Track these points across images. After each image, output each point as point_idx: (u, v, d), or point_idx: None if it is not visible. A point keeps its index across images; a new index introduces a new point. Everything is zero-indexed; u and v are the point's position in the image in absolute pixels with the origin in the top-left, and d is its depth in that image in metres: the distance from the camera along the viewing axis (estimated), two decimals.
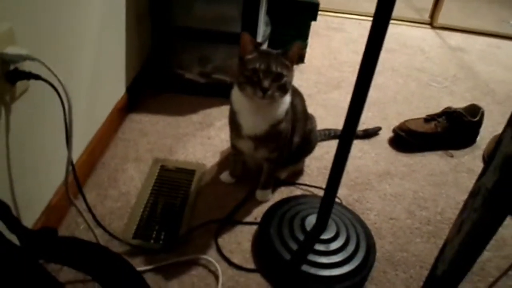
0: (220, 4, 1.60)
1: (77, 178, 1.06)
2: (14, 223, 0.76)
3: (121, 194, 1.23)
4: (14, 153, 0.88)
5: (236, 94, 1.09)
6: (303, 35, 2.00)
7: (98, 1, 1.21)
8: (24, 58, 0.82)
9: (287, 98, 1.09)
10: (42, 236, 0.82)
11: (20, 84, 0.87)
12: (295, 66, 2.11)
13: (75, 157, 1.17)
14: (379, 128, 1.62)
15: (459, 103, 1.77)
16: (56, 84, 0.88)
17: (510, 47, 2.77)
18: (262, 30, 1.64)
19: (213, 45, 1.67)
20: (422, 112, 1.76)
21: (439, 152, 1.59)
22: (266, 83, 1.00)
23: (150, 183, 1.27)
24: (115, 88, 1.46)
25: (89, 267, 0.82)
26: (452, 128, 1.59)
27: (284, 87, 1.03)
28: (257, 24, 1.56)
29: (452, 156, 1.58)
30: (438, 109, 1.70)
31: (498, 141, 0.66)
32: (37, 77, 0.85)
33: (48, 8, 0.95)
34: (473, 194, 0.75)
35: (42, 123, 0.99)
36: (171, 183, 1.28)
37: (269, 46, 1.82)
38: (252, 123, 1.10)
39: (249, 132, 1.11)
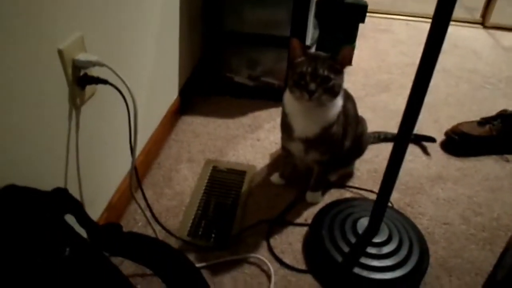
0: (270, 9, 1.63)
1: (139, 179, 1.12)
2: (84, 219, 0.82)
3: (176, 193, 1.28)
4: (82, 154, 0.95)
5: (287, 96, 1.11)
6: (351, 37, 1.99)
7: (157, 9, 1.27)
8: (94, 64, 0.88)
9: (339, 102, 1.10)
10: (108, 231, 0.87)
11: (89, 88, 0.93)
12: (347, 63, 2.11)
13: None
14: (433, 139, 1.58)
15: None
16: (121, 88, 0.93)
17: None
18: (311, 33, 1.66)
19: (262, 49, 1.70)
20: (475, 115, 1.70)
21: (494, 157, 1.54)
22: (312, 86, 1.01)
23: (203, 183, 1.32)
24: (169, 92, 1.52)
25: (151, 261, 0.87)
26: (508, 132, 1.54)
27: (332, 90, 1.04)
28: (306, 27, 1.57)
29: (508, 161, 1.53)
30: (492, 112, 1.64)
31: None
32: (105, 82, 0.91)
33: (115, 17, 1.01)
34: None
35: (106, 124, 1.05)
36: (222, 183, 1.32)
37: (317, 49, 1.83)
38: (303, 126, 1.11)
39: (300, 135, 1.13)
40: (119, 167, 1.15)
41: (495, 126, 1.55)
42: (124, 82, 0.90)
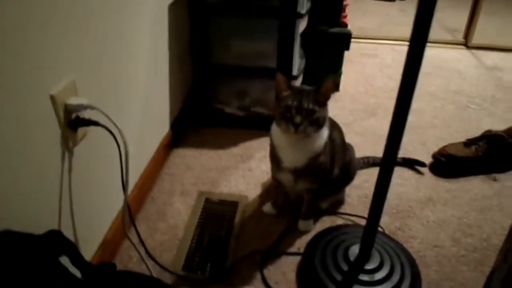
0: (255, 42, 1.68)
1: (132, 216, 1.14)
2: (78, 259, 0.83)
3: (169, 227, 1.30)
4: (76, 193, 0.97)
5: (275, 129, 1.15)
6: (337, 65, 2.05)
7: (146, 48, 1.32)
8: (85, 107, 0.91)
9: (325, 132, 1.13)
10: (102, 270, 0.89)
11: (81, 130, 0.96)
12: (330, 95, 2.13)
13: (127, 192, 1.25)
14: (423, 164, 1.61)
15: (500, 125, 1.74)
16: (112, 129, 0.96)
17: None
18: (297, 63, 1.70)
19: (251, 80, 1.75)
20: (461, 136, 1.74)
21: (482, 177, 1.57)
22: (297, 119, 1.05)
23: (196, 215, 1.33)
24: (160, 126, 1.55)
25: None
26: (493, 152, 1.58)
27: (317, 122, 1.07)
28: (292, 59, 1.62)
29: (495, 180, 1.56)
30: (478, 132, 1.68)
31: None
32: (96, 123, 0.94)
33: (105, 59, 1.05)
34: None
35: (99, 164, 1.07)
36: (215, 215, 1.34)
37: (304, 77, 1.88)
38: (291, 157, 1.14)
39: (289, 165, 1.15)
40: (112, 204, 1.17)
41: (480, 146, 1.59)
42: (114, 123, 0.93)
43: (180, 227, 1.30)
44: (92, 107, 0.91)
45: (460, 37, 2.94)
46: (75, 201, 0.97)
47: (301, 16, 1.54)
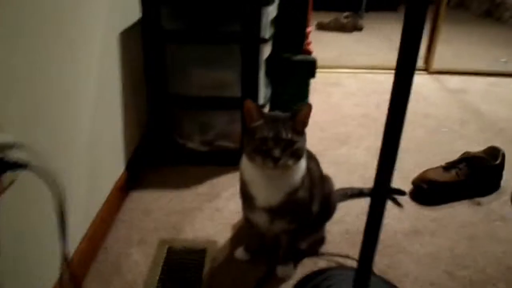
0: (217, 70, 1.56)
1: (74, 276, 0.94)
2: None
3: (126, 283, 1.10)
4: (6, 252, 0.77)
5: (245, 163, 1.00)
6: (304, 93, 1.96)
7: (94, 80, 1.16)
8: (11, 145, 0.74)
9: (303, 164, 1.00)
10: None
11: (7, 175, 0.77)
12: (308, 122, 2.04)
13: (74, 245, 1.06)
14: (403, 193, 1.50)
15: (473, 147, 1.68)
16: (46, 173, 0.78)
17: (509, 84, 2.75)
18: (263, 91, 1.59)
19: (214, 112, 1.61)
20: (437, 159, 1.65)
21: (465, 201, 1.48)
22: (276, 152, 0.91)
23: (157, 268, 1.15)
24: (114, 166, 1.38)
25: None
26: (475, 174, 1.50)
27: (297, 153, 0.95)
28: (257, 86, 1.51)
29: (479, 204, 1.47)
30: (452, 154, 1.61)
31: None
32: (24, 166, 0.76)
33: (43, 93, 0.89)
34: None
35: (35, 215, 0.89)
36: (180, 266, 1.16)
37: (270, 106, 1.76)
38: (265, 194, 1.00)
39: (263, 204, 1.01)
40: (53, 261, 0.97)
41: (461, 170, 1.50)
42: (44, 167, 0.75)
43: (139, 282, 1.11)
44: (19, 145, 0.74)
45: (421, 63, 2.96)
46: (4, 260, 0.78)
47: (265, 41, 1.44)
